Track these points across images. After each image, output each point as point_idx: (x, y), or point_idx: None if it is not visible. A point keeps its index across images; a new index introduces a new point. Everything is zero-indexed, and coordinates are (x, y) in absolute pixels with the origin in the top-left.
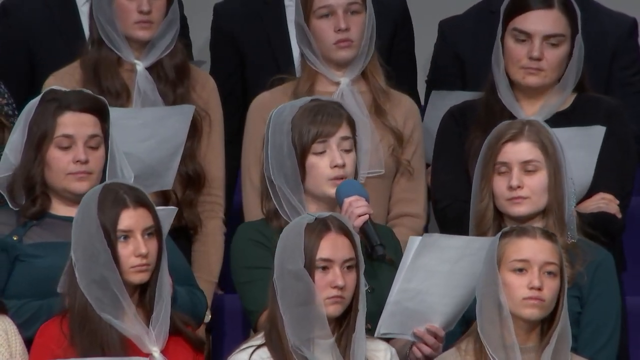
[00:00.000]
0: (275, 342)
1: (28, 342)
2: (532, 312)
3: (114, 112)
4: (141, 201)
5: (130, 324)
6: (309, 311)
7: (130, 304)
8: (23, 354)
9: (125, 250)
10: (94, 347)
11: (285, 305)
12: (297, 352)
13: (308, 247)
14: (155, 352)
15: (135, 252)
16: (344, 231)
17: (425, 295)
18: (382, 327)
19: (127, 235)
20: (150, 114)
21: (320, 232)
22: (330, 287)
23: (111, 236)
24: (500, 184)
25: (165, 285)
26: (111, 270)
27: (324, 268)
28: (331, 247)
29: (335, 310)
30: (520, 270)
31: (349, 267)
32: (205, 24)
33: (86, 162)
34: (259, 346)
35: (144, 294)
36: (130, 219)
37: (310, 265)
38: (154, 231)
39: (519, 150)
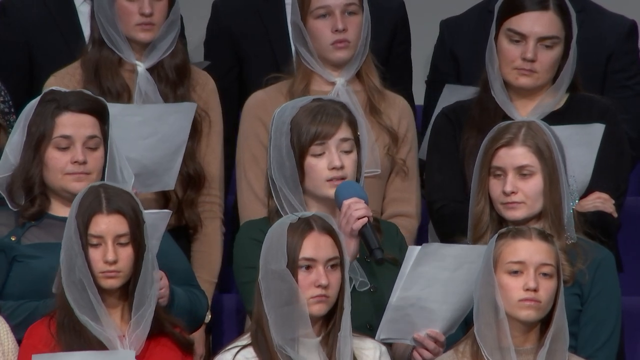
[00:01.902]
0: (261, 342)
1: None
2: (528, 314)
3: (114, 108)
4: (118, 208)
5: (104, 327)
6: (292, 311)
7: (102, 308)
8: (15, 352)
9: (95, 254)
10: (79, 347)
11: (269, 305)
12: (282, 352)
13: (291, 247)
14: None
15: (103, 258)
16: (327, 230)
17: (424, 302)
18: (382, 333)
19: (98, 240)
20: (151, 110)
21: (303, 231)
22: (314, 286)
23: (82, 240)
24: (495, 188)
25: (149, 291)
26: (85, 273)
27: (307, 267)
28: (314, 246)
29: (320, 309)
30: (516, 272)
31: (332, 266)
32: (199, 21)
33: (84, 162)
34: (244, 346)
35: (131, 297)
36: (102, 224)
37: (293, 265)
38: (130, 239)
39: (514, 155)
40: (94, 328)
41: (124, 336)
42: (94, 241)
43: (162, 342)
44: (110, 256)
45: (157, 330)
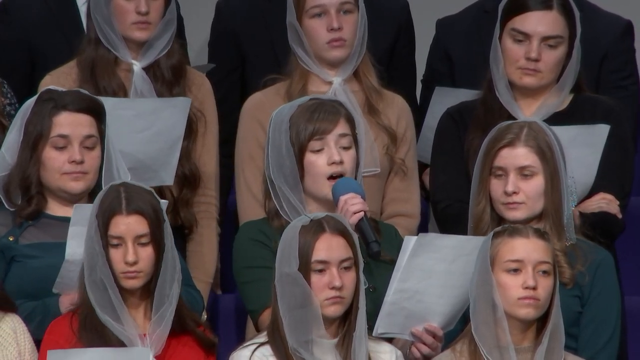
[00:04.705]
0: (278, 342)
1: None
2: (527, 312)
3: (108, 102)
4: (138, 208)
5: (125, 326)
6: (306, 314)
7: (123, 307)
8: (32, 352)
9: (115, 255)
10: (100, 345)
11: (284, 308)
12: (296, 354)
13: (303, 250)
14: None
15: (123, 259)
16: (340, 231)
17: (422, 295)
18: (380, 327)
19: (118, 240)
20: (145, 105)
21: (315, 233)
22: (328, 288)
23: (102, 240)
24: (496, 188)
25: (169, 290)
26: (106, 273)
27: (321, 270)
28: (326, 248)
29: (335, 310)
30: (514, 270)
31: (346, 267)
32: (203, 23)
33: (81, 162)
34: (261, 344)
35: (152, 296)
36: (121, 225)
37: (306, 268)
38: (150, 239)
39: (516, 156)
40: (114, 327)
41: (145, 335)
42: (114, 242)
43: (184, 340)
44: (130, 257)
45: (180, 329)
